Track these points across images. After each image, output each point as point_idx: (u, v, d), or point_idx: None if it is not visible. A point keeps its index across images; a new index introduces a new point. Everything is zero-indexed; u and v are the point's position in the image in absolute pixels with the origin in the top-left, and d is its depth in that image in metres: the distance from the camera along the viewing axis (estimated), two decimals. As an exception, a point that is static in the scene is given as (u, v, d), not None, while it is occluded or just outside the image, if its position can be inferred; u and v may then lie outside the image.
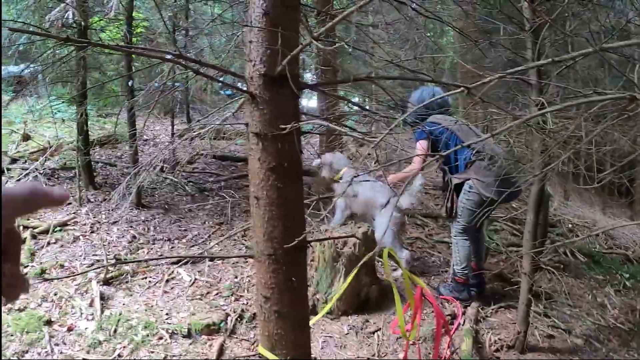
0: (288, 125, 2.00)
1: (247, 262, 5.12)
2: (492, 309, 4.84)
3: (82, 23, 5.95)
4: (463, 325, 4.47)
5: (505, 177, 3.97)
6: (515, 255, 6.01)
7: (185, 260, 5.08)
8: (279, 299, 2.12)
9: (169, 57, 2.12)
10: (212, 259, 4.49)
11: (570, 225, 8.08)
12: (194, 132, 2.80)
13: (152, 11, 8.00)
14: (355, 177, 4.49)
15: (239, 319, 4.39)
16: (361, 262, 3.36)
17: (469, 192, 4.55)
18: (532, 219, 3.99)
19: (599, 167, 5.14)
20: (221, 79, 3.03)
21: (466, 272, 4.76)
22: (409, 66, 2.32)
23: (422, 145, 4.57)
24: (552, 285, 5.61)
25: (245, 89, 2.14)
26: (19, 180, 6.89)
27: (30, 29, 5.44)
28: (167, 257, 3.68)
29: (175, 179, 7.18)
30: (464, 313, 4.65)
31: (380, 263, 5.23)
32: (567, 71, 4.63)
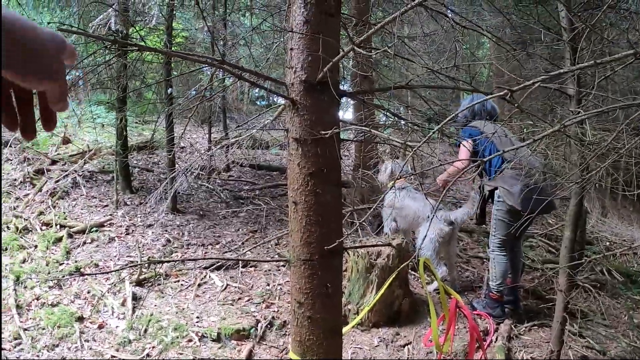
0: (328, 131, 2.01)
1: (279, 269, 5.14)
2: (526, 327, 4.73)
3: (124, 31, 6.10)
4: (495, 342, 4.38)
5: (534, 187, 3.90)
6: (551, 272, 5.88)
7: (218, 265, 5.12)
8: (312, 304, 2.12)
9: (211, 62, 2.15)
10: (245, 265, 4.51)
11: (607, 243, 7.86)
12: (232, 139, 2.83)
13: (191, 21, 8.15)
14: (401, 188, 4.44)
15: (269, 325, 4.40)
16: (395, 272, 3.34)
17: (497, 201, 4.47)
18: (570, 235, 3.88)
19: (638, 182, 5.00)
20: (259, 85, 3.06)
21: (501, 288, 4.66)
22: (447, 76, 2.31)
23: (465, 146, 4.50)
24: (587, 304, 5.46)
25: (285, 95, 2.16)
26: (57, 181, 7.07)
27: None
28: (202, 259, 3.72)
29: (211, 186, 7.26)
30: (496, 330, 4.55)
31: (413, 276, 5.18)
32: (606, 83, 4.54)
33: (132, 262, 5.27)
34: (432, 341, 3.96)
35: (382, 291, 3.07)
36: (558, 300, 3.98)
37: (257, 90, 10.76)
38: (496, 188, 4.46)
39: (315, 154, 2.06)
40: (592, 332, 4.81)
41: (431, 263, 4.74)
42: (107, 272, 4.59)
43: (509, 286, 4.76)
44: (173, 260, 3.11)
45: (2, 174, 7.34)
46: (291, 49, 2.21)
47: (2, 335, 4.30)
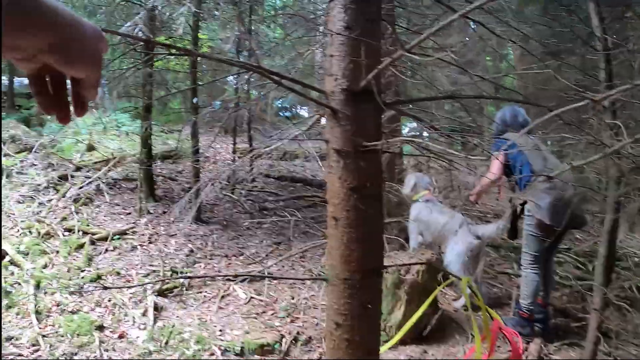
0: (372, 143, 1.90)
1: (304, 283, 5.03)
2: (556, 347, 4.54)
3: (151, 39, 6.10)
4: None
5: (564, 201, 3.77)
6: (581, 289, 5.68)
7: (242, 277, 5.04)
8: (351, 326, 2.00)
9: (250, 67, 2.07)
10: (275, 279, 4.40)
11: (637, 259, 7.61)
12: (263, 149, 2.74)
13: (216, 32, 8.16)
14: (426, 201, 4.33)
15: (294, 341, 4.28)
16: (436, 290, 3.21)
17: (527, 216, 4.33)
18: (605, 251, 3.73)
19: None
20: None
21: (532, 307, 4.50)
22: (497, 84, 2.20)
23: (498, 156, 4.38)
24: (617, 322, 5.25)
25: (326, 103, 2.06)
26: (81, 188, 7.07)
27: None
28: (234, 276, 3.64)
29: (235, 197, 7.20)
30: (526, 349, 4.38)
31: (441, 293, 5.04)
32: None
33: (154, 271, 5.21)
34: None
35: (422, 308, 2.94)
36: (592, 319, 3.83)
37: (280, 102, 10.74)
38: (526, 202, 4.31)
39: (357, 167, 1.95)
40: (623, 351, 4.62)
41: (473, 286, 4.60)
42: (130, 286, 4.52)
43: (541, 306, 4.60)
44: (205, 276, 3.02)
45: (27, 179, 7.38)
46: (331, 55, 2.12)
47: (20, 341, 4.25)
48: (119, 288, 4.58)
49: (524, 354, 4.31)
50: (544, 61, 3.74)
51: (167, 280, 4.94)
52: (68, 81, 0.71)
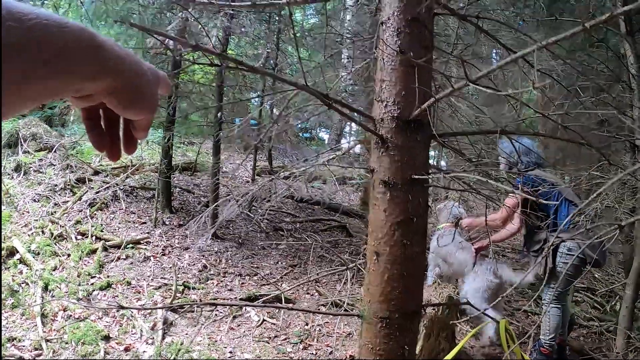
0: (422, 176, 1.80)
1: (318, 309, 4.89)
2: None
3: (181, 51, 6.08)
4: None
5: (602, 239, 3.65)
6: (602, 330, 5.50)
7: (255, 298, 4.92)
8: (385, 368, 1.88)
9: (297, 85, 1.99)
10: (306, 312, 4.28)
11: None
12: (297, 169, 2.65)
13: (245, 48, 8.15)
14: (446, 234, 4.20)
15: (304, 370, 4.15)
16: (468, 335, 3.06)
17: (567, 254, 4.19)
18: (632, 294, 3.60)
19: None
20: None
21: (553, 343, 4.36)
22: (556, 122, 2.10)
23: (514, 199, 4.27)
24: None
25: (374, 130, 1.97)
26: (98, 192, 7.01)
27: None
28: (257, 306, 3.51)
29: (252, 215, 7.11)
30: None
31: (458, 328, 4.88)
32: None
33: (165, 284, 5.11)
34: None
35: (458, 347, 2.80)
36: None
37: (299, 124, 10.72)
38: (564, 240, 4.19)
39: (405, 200, 1.85)
40: None
41: (510, 329, 4.43)
42: (146, 308, 4.42)
43: (559, 344, 4.45)
44: (231, 304, 2.89)
45: (44, 178, 7.35)
46: (382, 80, 2.03)
47: (23, 343, 4.16)
48: (136, 309, 4.48)
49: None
50: (575, 97, 3.65)
51: (178, 296, 4.84)
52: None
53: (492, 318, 3.46)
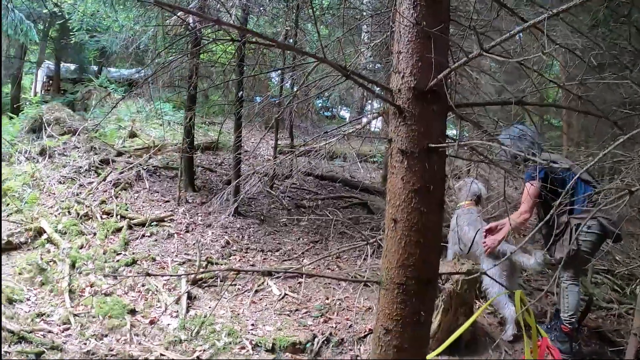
0: (438, 144, 1.83)
1: (339, 284, 4.96)
2: None
3: (200, 30, 6.11)
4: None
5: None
6: (621, 312, 5.47)
7: (279, 275, 5.01)
8: (401, 333, 1.93)
9: (317, 57, 2.02)
10: (327, 277, 4.33)
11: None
12: (314, 145, 2.69)
13: (264, 27, 8.15)
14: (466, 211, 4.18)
15: (325, 342, 4.21)
16: (483, 307, 3.09)
17: (587, 232, 4.17)
18: None
19: None
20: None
21: (574, 320, 4.35)
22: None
23: (533, 188, 4.19)
24: None
25: (391, 101, 2.00)
26: (121, 173, 7.16)
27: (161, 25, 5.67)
28: (284, 272, 3.56)
29: (273, 192, 7.19)
30: None
31: (477, 305, 4.90)
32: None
33: (190, 260, 5.22)
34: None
35: (470, 321, 2.84)
36: (630, 343, 3.69)
37: (320, 101, 10.72)
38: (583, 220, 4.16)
39: (421, 169, 1.88)
40: None
41: (525, 299, 4.42)
42: (170, 275, 4.52)
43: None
44: (254, 270, 2.97)
45: (69, 160, 7.51)
46: (399, 52, 2.05)
47: (51, 318, 4.28)
48: (161, 275, 4.58)
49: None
50: (595, 73, 3.59)
51: (202, 271, 4.94)
52: None
53: (507, 288, 3.47)
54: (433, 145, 1.87)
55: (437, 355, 4.21)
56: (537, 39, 2.85)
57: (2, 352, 3.72)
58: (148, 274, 2.80)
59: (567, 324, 4.37)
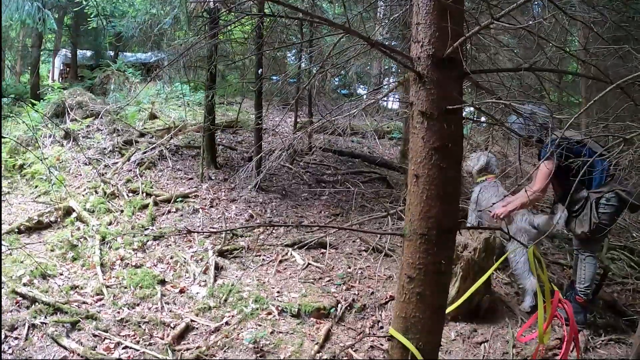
0: (455, 106, 1.99)
1: (360, 254, 5.14)
2: (602, 340, 4.46)
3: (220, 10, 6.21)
4: (572, 351, 4.18)
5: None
6: (632, 285, 5.55)
7: (300, 244, 5.18)
8: (423, 280, 2.10)
9: (342, 28, 2.16)
10: (350, 230, 4.46)
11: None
12: (345, 113, 2.84)
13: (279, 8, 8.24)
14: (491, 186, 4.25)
15: (348, 307, 4.40)
16: (492, 269, 3.25)
17: (606, 205, 4.26)
18: None
19: None
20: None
21: (589, 292, 4.47)
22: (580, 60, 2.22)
23: (548, 167, 4.26)
24: None
25: (412, 68, 2.14)
26: (145, 153, 7.36)
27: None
28: (316, 226, 3.74)
29: (294, 168, 7.35)
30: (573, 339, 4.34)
31: (494, 276, 5.05)
32: None
33: (215, 232, 5.41)
34: (527, 335, 3.83)
35: (478, 284, 2.99)
36: None
37: (337, 80, 10.83)
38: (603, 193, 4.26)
39: (440, 129, 2.04)
40: None
41: (521, 278, 4.56)
42: (215, 232, 4.72)
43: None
44: (285, 224, 3.14)
45: (93, 142, 7.72)
46: (417, 23, 2.19)
47: (85, 290, 4.50)
48: (204, 233, 4.77)
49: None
50: (612, 46, 3.66)
51: (227, 243, 5.13)
52: None
53: (521, 243, 3.58)
54: (450, 107, 2.02)
55: (455, 322, 4.40)
56: (549, 12, 2.96)
57: (39, 323, 3.94)
58: (189, 231, 2.96)
59: (582, 295, 4.46)
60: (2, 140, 7.02)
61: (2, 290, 4.21)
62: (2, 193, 6.21)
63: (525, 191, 4.45)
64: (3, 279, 4.36)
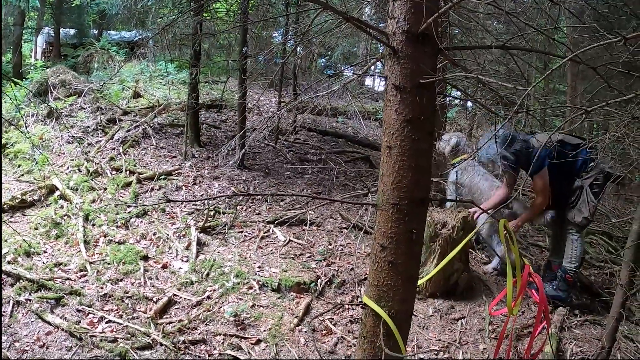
0: (428, 79, 2.04)
1: (341, 231, 5.21)
2: (578, 321, 4.56)
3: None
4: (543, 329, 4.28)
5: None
6: (612, 271, 5.67)
7: (281, 221, 5.24)
8: (395, 249, 2.16)
9: (320, 3, 2.19)
10: (308, 224, 4.54)
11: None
12: (321, 92, 2.88)
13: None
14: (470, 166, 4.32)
15: (328, 282, 4.49)
16: (462, 243, 3.33)
17: (595, 184, 4.39)
18: (637, 228, 3.71)
19: None
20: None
21: (578, 271, 4.59)
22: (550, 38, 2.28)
23: (543, 179, 4.40)
24: None
25: (387, 43, 2.19)
26: (128, 131, 7.34)
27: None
28: (291, 195, 3.80)
29: (277, 147, 7.38)
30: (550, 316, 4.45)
31: (472, 254, 5.15)
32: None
33: (197, 210, 5.46)
34: (498, 309, 3.93)
35: (451, 254, 3.07)
36: (617, 295, 3.81)
37: (324, 60, 10.83)
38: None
39: (413, 102, 2.08)
40: None
41: (491, 245, 4.68)
42: (195, 200, 4.77)
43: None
44: (262, 194, 3.17)
45: (76, 121, 7.67)
46: (394, 0, 2.23)
47: (69, 267, 4.54)
48: (181, 202, 4.79)
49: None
50: (596, 34, 3.71)
51: (209, 218, 5.17)
52: None
53: (492, 217, 3.66)
54: (423, 81, 2.07)
55: (434, 298, 4.50)
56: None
57: (23, 300, 3.97)
58: (168, 200, 2.99)
59: (571, 274, 4.58)
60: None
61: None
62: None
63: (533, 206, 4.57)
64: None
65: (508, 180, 4.68)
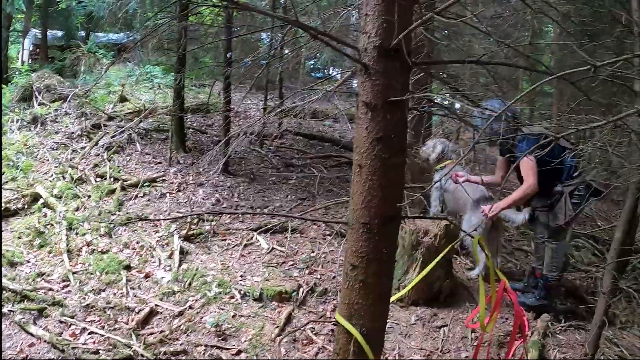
0: (399, 97, 2.02)
1: (324, 238, 5.20)
2: (562, 327, 4.53)
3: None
4: (530, 337, 4.28)
5: None
6: (595, 274, 5.67)
7: (265, 228, 5.23)
8: (366, 268, 2.15)
9: (288, 20, 2.18)
10: (292, 230, 4.55)
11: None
12: (296, 104, 2.87)
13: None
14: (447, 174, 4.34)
15: (310, 291, 4.48)
16: (442, 252, 3.33)
17: (577, 194, 4.37)
18: (621, 236, 3.72)
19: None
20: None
21: (559, 278, 4.58)
22: (522, 53, 2.27)
23: (532, 160, 4.29)
24: (626, 314, 5.23)
25: (358, 59, 2.17)
26: (113, 137, 7.30)
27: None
28: (269, 214, 3.79)
29: (263, 152, 7.36)
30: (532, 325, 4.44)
31: (457, 260, 5.14)
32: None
33: (182, 217, 5.42)
34: (476, 322, 3.93)
35: (428, 269, 3.07)
36: (599, 302, 3.82)
37: (312, 62, 10.81)
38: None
39: (384, 119, 2.07)
40: (628, 342, 4.63)
41: (484, 245, 4.65)
42: (176, 218, 4.74)
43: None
44: (237, 212, 3.17)
45: (61, 127, 7.62)
46: (366, 14, 2.21)
47: (51, 277, 4.51)
48: (167, 219, 4.76)
49: (530, 329, 4.33)
50: (580, 41, 3.71)
51: (192, 226, 5.15)
52: None
53: (467, 234, 3.64)
54: (394, 99, 2.06)
55: (416, 306, 4.49)
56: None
57: (6, 311, 3.94)
58: (144, 219, 2.99)
59: (552, 281, 4.55)
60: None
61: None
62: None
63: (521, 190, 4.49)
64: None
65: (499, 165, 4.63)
